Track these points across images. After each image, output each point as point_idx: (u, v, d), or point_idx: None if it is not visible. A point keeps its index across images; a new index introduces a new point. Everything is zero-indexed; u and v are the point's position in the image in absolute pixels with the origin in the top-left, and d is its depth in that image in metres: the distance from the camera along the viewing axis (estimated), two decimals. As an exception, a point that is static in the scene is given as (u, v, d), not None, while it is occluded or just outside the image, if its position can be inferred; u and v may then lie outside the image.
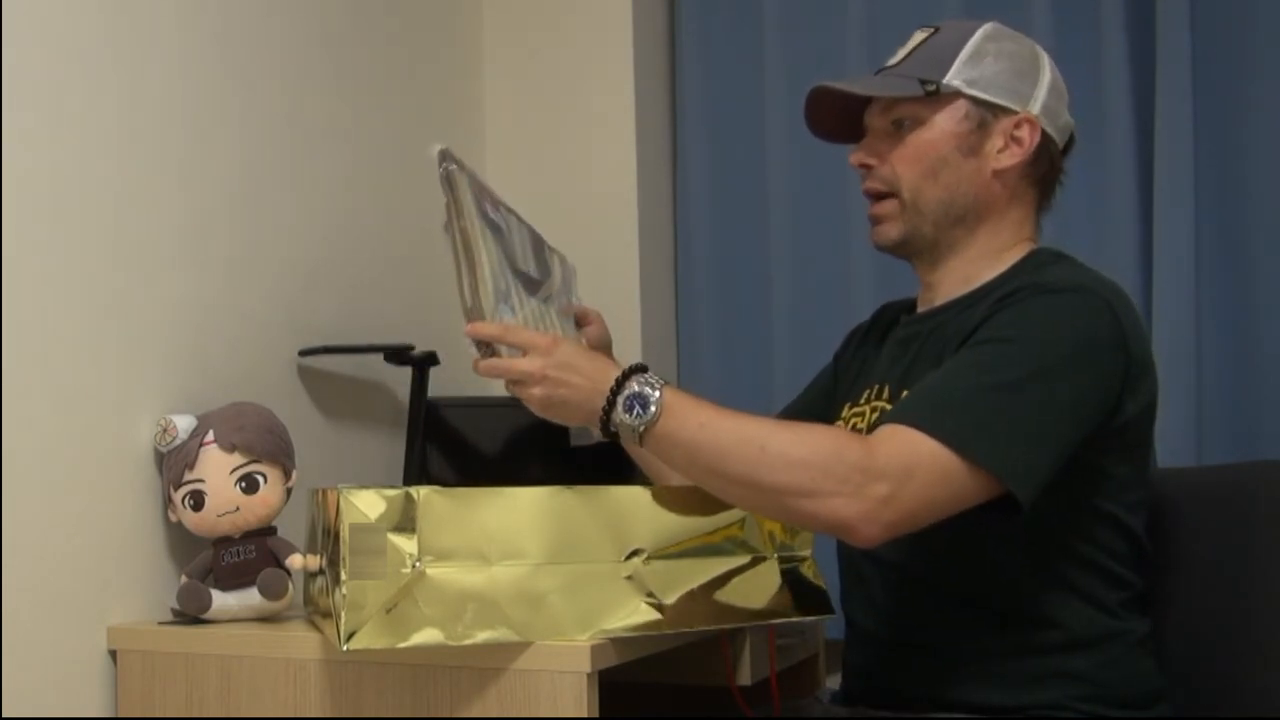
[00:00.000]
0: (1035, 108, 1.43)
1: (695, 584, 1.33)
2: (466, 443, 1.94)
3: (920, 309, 1.51)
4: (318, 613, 1.43)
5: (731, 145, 2.30)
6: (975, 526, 1.27)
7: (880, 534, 1.20)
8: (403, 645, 1.23)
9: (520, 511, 1.27)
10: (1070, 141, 1.50)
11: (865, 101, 1.50)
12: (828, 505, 1.19)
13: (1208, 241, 1.96)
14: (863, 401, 1.50)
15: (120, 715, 1.47)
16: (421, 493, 1.24)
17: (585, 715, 1.25)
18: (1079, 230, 2.03)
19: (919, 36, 1.47)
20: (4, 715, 1.37)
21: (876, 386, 1.49)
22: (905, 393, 1.38)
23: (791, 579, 1.39)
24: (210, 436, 1.52)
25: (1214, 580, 1.51)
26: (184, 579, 1.53)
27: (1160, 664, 1.44)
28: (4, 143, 1.40)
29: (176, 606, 1.50)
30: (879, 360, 1.54)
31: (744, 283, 2.29)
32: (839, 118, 1.53)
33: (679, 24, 2.36)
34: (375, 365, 1.91)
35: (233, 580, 1.51)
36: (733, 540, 1.36)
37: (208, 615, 1.49)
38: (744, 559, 1.37)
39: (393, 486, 1.25)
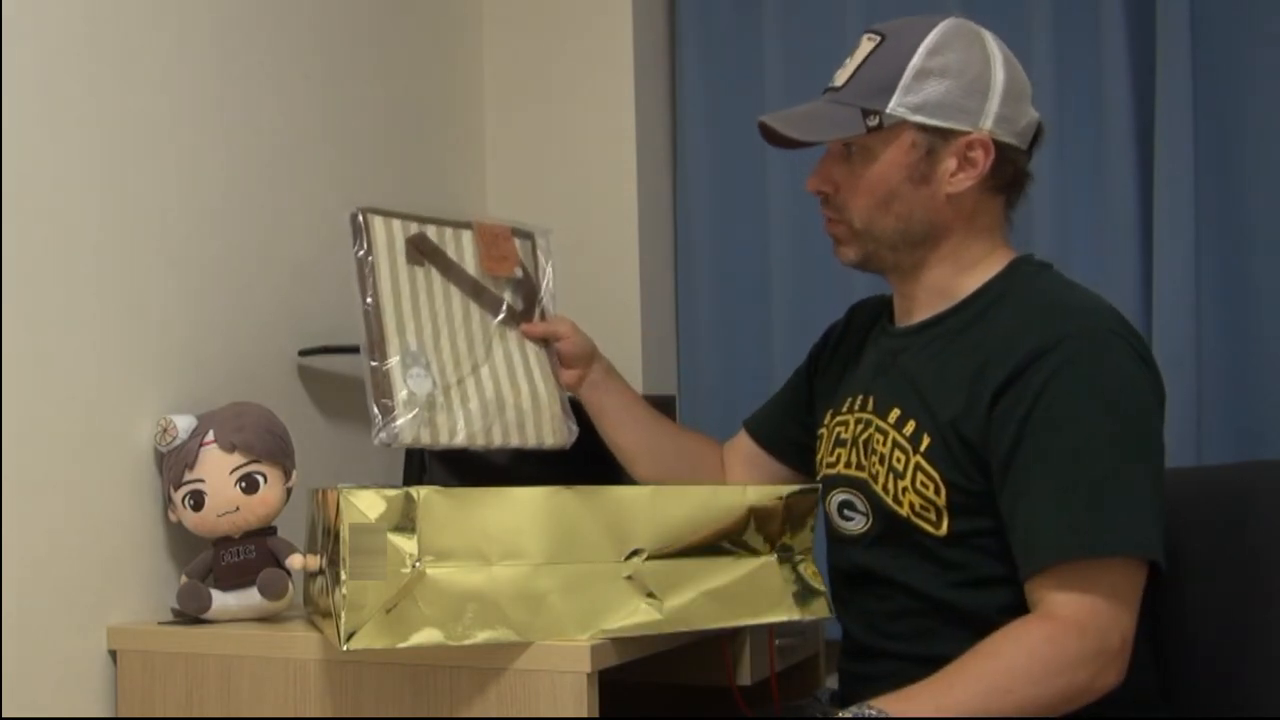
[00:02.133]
0: (987, 124, 1.39)
1: (695, 584, 1.33)
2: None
3: (901, 320, 1.49)
4: (318, 613, 1.43)
5: (731, 145, 2.30)
6: (971, 547, 1.32)
7: (1126, 664, 1.27)
8: (403, 645, 1.23)
9: (520, 511, 1.27)
10: (1038, 134, 1.46)
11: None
12: (1096, 688, 1.25)
13: (1208, 242, 1.96)
14: (845, 410, 1.50)
15: (120, 715, 1.47)
16: (421, 493, 1.24)
17: (585, 715, 1.25)
18: (1079, 230, 2.03)
19: (865, 48, 1.43)
20: (4, 715, 1.37)
21: (860, 397, 1.48)
22: (896, 412, 1.40)
23: (791, 579, 1.39)
24: (210, 436, 1.52)
25: (1214, 580, 1.51)
26: (184, 579, 1.53)
27: (1161, 664, 1.44)
28: (4, 143, 1.40)
29: (176, 606, 1.50)
30: (860, 368, 1.53)
31: (744, 282, 2.29)
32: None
33: (679, 24, 2.36)
34: (375, 365, 1.91)
35: (233, 580, 1.51)
36: (732, 540, 1.36)
37: (208, 615, 1.49)
38: (744, 559, 1.37)
39: (393, 486, 1.25)
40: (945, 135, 1.39)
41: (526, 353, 1.63)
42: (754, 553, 1.37)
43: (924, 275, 1.44)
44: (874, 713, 1.18)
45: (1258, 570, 1.47)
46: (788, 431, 1.66)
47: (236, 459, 1.52)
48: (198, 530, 1.53)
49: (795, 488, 1.39)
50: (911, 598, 1.38)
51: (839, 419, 1.50)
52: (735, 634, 1.58)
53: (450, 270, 1.59)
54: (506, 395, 1.58)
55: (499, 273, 1.62)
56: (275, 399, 1.68)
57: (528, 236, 1.69)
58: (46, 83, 1.46)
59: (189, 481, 1.52)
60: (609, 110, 2.27)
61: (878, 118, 1.38)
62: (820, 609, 1.40)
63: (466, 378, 1.56)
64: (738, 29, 2.32)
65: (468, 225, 1.64)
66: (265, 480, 1.53)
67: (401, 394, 1.49)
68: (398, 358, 1.51)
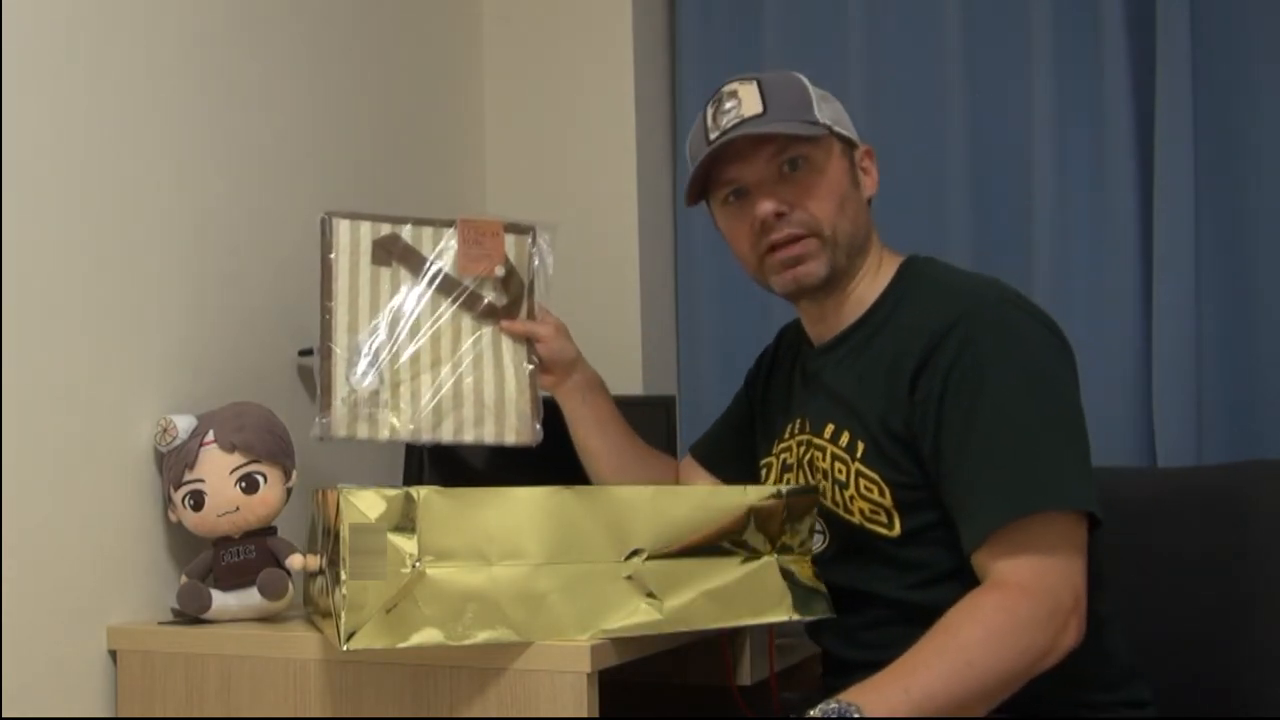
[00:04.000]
0: (858, 138, 1.51)
1: (695, 584, 1.33)
2: (466, 442, 1.94)
3: (819, 341, 1.52)
4: (318, 613, 1.43)
5: (731, 145, 2.30)
6: (927, 542, 1.36)
7: (1083, 620, 1.28)
8: (403, 645, 1.23)
9: (520, 511, 1.27)
10: None
11: (719, 161, 1.46)
12: (1059, 647, 1.26)
13: (1208, 241, 1.96)
14: (786, 436, 1.54)
15: (120, 715, 1.47)
16: (421, 493, 1.24)
17: (585, 715, 1.25)
18: (1079, 230, 2.03)
19: (750, 88, 1.45)
20: (4, 715, 1.37)
21: (798, 420, 1.51)
22: (830, 427, 1.43)
23: (791, 579, 1.39)
24: (210, 436, 1.52)
25: (1206, 580, 1.51)
26: (184, 579, 1.53)
27: (1152, 662, 1.44)
28: (4, 143, 1.40)
29: (176, 606, 1.50)
30: (792, 392, 1.57)
31: (744, 283, 2.28)
32: (695, 186, 1.51)
33: (679, 24, 2.37)
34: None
35: (233, 580, 1.51)
36: (732, 540, 1.36)
37: (208, 615, 1.49)
38: (744, 559, 1.37)
39: (393, 486, 1.25)
40: (852, 146, 1.49)
41: (502, 350, 1.63)
42: (754, 553, 1.37)
43: (846, 289, 1.48)
44: (844, 706, 1.18)
45: (1250, 570, 1.48)
46: (735, 455, 1.68)
47: (236, 459, 1.52)
48: (198, 530, 1.53)
49: (795, 487, 1.39)
50: (881, 606, 1.40)
51: (782, 445, 1.54)
52: (735, 634, 1.58)
53: (421, 269, 1.61)
54: (467, 391, 1.60)
55: (474, 273, 1.63)
56: (275, 399, 1.68)
57: (526, 231, 1.69)
58: (46, 84, 1.46)
59: (189, 481, 1.52)
60: (609, 110, 2.28)
61: (821, 126, 1.44)
62: (820, 609, 1.40)
63: (422, 374, 1.58)
64: (738, 29, 2.32)
65: (453, 223, 1.65)
66: (265, 480, 1.53)
67: (342, 391, 1.54)
68: (343, 356, 1.55)
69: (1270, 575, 1.47)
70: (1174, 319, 1.92)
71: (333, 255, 1.58)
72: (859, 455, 1.39)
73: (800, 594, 1.39)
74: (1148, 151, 1.98)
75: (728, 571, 1.35)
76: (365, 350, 1.56)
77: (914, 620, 1.34)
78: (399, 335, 1.58)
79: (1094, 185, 2.03)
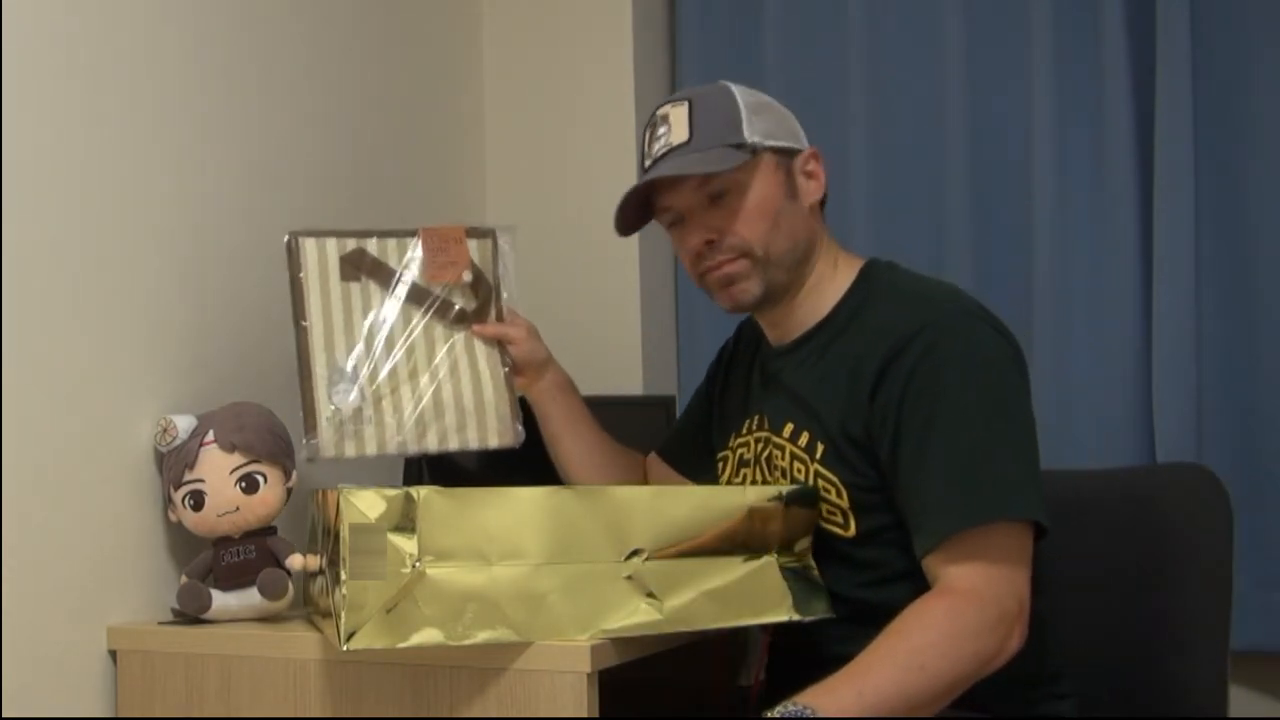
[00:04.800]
0: (804, 142, 1.50)
1: (695, 584, 1.33)
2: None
3: (777, 343, 1.54)
4: (318, 613, 1.43)
5: (731, 145, 2.30)
6: (881, 543, 1.38)
7: (1026, 626, 1.32)
8: (403, 645, 1.23)
9: (520, 511, 1.28)
10: None
11: (652, 191, 1.49)
12: (1005, 651, 1.30)
13: (1208, 241, 1.96)
14: (745, 432, 1.55)
15: (120, 715, 1.48)
16: (421, 493, 1.24)
17: (585, 715, 1.25)
18: (1079, 230, 2.03)
19: (680, 110, 1.47)
20: (4, 715, 1.37)
21: (756, 417, 1.53)
22: (789, 426, 1.45)
23: (791, 579, 1.39)
24: (210, 436, 1.52)
25: (1124, 578, 1.57)
26: (184, 579, 1.53)
27: (1073, 657, 1.48)
28: (4, 143, 1.40)
29: (176, 606, 1.50)
30: (751, 388, 1.58)
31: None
32: (635, 212, 1.54)
33: (679, 24, 2.36)
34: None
35: (233, 580, 1.51)
36: (732, 540, 1.36)
37: (208, 615, 1.49)
38: (744, 559, 1.37)
39: (393, 486, 1.25)
40: (790, 155, 1.49)
41: (476, 355, 1.63)
42: (754, 553, 1.37)
43: (798, 295, 1.49)
44: (800, 709, 1.21)
45: (1160, 568, 1.55)
46: (696, 451, 1.69)
47: (236, 459, 1.52)
48: (198, 530, 1.53)
49: (794, 488, 1.39)
50: (835, 603, 1.41)
51: (740, 440, 1.55)
52: (735, 634, 1.58)
53: (390, 282, 1.62)
54: (447, 399, 1.60)
55: (442, 280, 1.63)
56: (275, 399, 1.68)
57: (486, 235, 1.69)
58: (46, 83, 1.46)
59: (189, 481, 1.52)
60: (609, 110, 2.27)
61: (747, 149, 1.44)
62: (820, 609, 1.40)
63: (401, 386, 1.58)
64: (738, 29, 2.32)
65: (415, 233, 1.65)
66: (265, 480, 1.54)
67: (326, 411, 1.54)
68: (324, 375, 1.56)
69: (1178, 573, 1.53)
70: (1174, 319, 1.92)
71: (302, 274, 1.58)
72: (818, 456, 1.41)
73: (800, 594, 1.39)
74: (1148, 151, 1.98)
75: (728, 571, 1.35)
76: (345, 368, 1.57)
77: (864, 618, 1.36)
78: (376, 350, 1.59)
79: (1094, 185, 2.03)
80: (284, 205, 1.81)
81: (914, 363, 1.35)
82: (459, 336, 1.63)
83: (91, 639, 1.48)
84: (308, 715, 1.36)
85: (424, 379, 1.60)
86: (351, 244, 1.62)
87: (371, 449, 1.56)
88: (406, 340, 1.60)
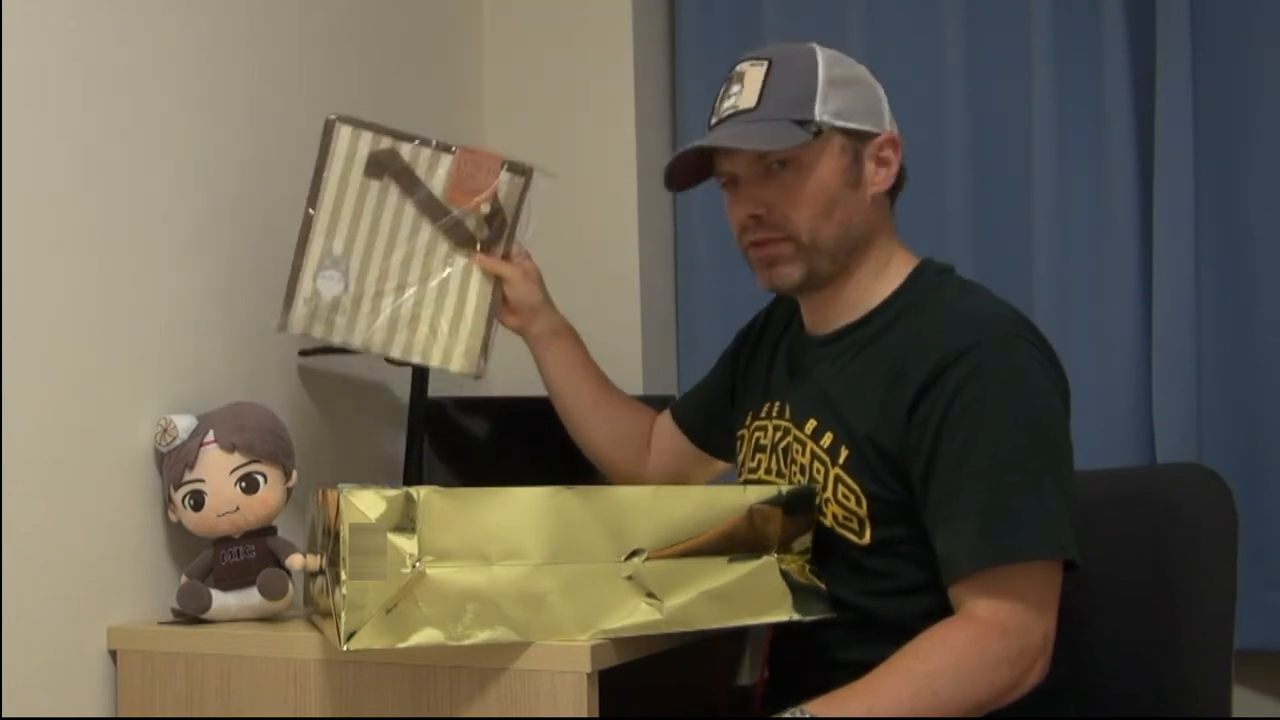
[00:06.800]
0: (887, 124, 1.44)
1: (695, 584, 1.33)
2: (466, 443, 1.94)
3: (812, 329, 1.50)
4: (318, 613, 1.43)
5: (731, 145, 2.29)
6: (894, 555, 1.36)
7: (1048, 662, 1.30)
8: (403, 645, 1.23)
9: (520, 511, 1.27)
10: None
11: (713, 150, 1.45)
12: (1023, 685, 1.28)
13: (1208, 241, 1.96)
14: (764, 415, 1.52)
15: (120, 715, 1.47)
16: (421, 493, 1.24)
17: (585, 715, 1.25)
18: (1079, 230, 2.03)
19: (757, 72, 1.42)
20: (4, 715, 1.37)
21: (778, 403, 1.50)
22: (812, 423, 1.42)
23: (791, 579, 1.39)
24: (210, 436, 1.52)
25: (1126, 579, 1.56)
26: (184, 579, 1.53)
27: (1075, 657, 1.48)
28: (4, 142, 1.40)
29: (176, 606, 1.50)
30: (775, 372, 1.55)
31: (744, 282, 2.28)
32: (692, 169, 1.49)
33: (679, 24, 2.36)
34: (375, 365, 1.91)
35: (233, 580, 1.51)
36: (732, 540, 1.36)
37: (208, 615, 1.49)
38: (744, 559, 1.36)
39: (393, 486, 1.25)
40: (863, 138, 1.42)
41: (469, 283, 1.65)
42: (754, 553, 1.37)
43: (845, 286, 1.45)
44: (807, 717, 1.20)
45: (1169, 571, 1.53)
46: (712, 422, 1.67)
47: (236, 459, 1.52)
48: (198, 530, 1.53)
49: (794, 488, 1.39)
50: (836, 607, 1.39)
51: (758, 423, 1.53)
52: (735, 634, 1.58)
53: (412, 189, 1.63)
54: (425, 315, 1.63)
55: (461, 205, 1.64)
56: (275, 399, 1.68)
57: (524, 172, 1.68)
58: (46, 81, 1.46)
59: (189, 481, 1.52)
60: (608, 110, 2.27)
61: (813, 126, 1.39)
62: (820, 609, 1.40)
63: (388, 292, 1.62)
64: (738, 28, 2.32)
65: (452, 148, 1.65)
66: (265, 480, 1.53)
67: (306, 292, 1.60)
68: (316, 258, 1.61)
69: (1185, 575, 1.52)
70: (1174, 319, 1.92)
71: (328, 159, 1.61)
72: (841, 460, 1.38)
73: (801, 594, 1.39)
74: (1148, 151, 1.98)
75: (728, 572, 1.35)
76: (338, 256, 1.61)
77: (867, 626, 1.36)
78: (375, 250, 1.62)
79: (1094, 185, 2.03)
80: (284, 204, 1.81)
81: (957, 385, 1.31)
82: (460, 262, 1.64)
83: (91, 639, 1.48)
84: (308, 715, 1.36)
85: (411, 290, 1.63)
86: (387, 142, 1.63)
87: (338, 338, 1.62)
88: (409, 250, 1.63)
